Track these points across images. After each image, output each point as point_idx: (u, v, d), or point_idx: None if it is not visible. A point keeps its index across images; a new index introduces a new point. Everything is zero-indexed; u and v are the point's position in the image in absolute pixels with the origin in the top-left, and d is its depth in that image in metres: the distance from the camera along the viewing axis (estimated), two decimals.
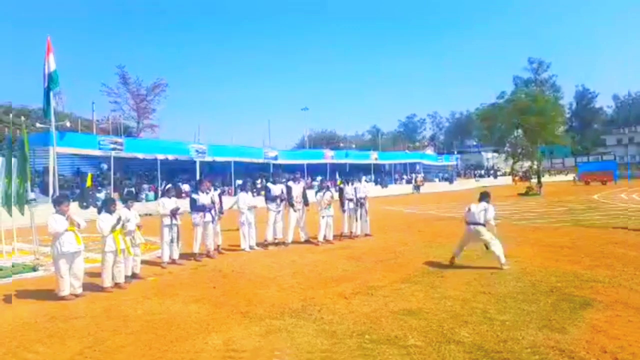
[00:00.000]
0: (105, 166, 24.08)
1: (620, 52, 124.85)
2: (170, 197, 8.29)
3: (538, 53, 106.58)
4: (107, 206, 6.49)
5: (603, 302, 4.95)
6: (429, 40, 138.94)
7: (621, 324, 4.26)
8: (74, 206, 6.19)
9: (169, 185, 8.90)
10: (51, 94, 9.00)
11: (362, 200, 11.07)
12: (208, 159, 27.32)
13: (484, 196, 7.26)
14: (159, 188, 21.98)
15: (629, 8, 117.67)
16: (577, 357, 3.49)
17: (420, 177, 43.21)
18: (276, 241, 9.96)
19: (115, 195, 18.77)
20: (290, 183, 10.28)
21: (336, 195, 10.87)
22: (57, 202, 5.99)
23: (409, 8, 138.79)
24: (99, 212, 6.48)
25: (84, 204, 19.32)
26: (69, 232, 5.81)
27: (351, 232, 10.80)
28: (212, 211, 8.83)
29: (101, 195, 19.00)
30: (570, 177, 53.50)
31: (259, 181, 27.39)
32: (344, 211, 10.74)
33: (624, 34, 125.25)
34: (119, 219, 6.40)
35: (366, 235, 11.04)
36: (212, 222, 8.80)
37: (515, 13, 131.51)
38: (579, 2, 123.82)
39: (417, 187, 39.30)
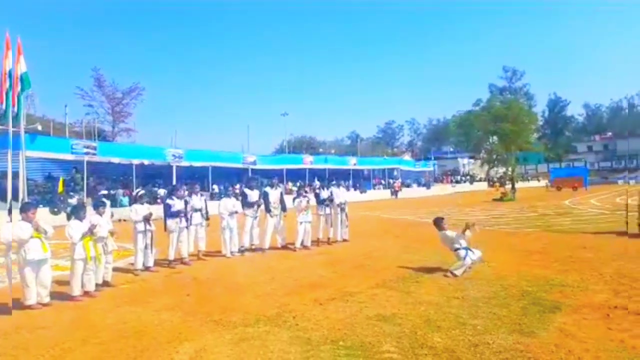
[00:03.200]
0: (74, 171, 23.41)
1: (591, 61, 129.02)
2: (142, 204, 8.14)
3: (512, 62, 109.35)
4: (77, 212, 6.33)
5: (571, 306, 5.07)
6: (408, 48, 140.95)
7: (588, 327, 4.37)
8: (40, 212, 6.02)
9: (142, 192, 8.73)
10: (22, 96, 8.73)
11: (343, 205, 11.12)
12: (185, 163, 26.95)
13: (437, 224, 7.51)
14: (134, 193, 21.57)
15: (601, 18, 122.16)
16: None
17: (397, 182, 43.62)
18: (253, 247, 9.88)
19: (87, 201, 18.33)
20: (267, 189, 10.24)
21: (313, 201, 10.85)
22: (23, 209, 5.80)
23: (388, 16, 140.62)
24: (69, 219, 6.30)
25: (55, 209, 18.80)
26: (34, 240, 5.63)
27: (328, 238, 10.81)
28: (199, 215, 8.93)
29: (73, 201, 18.51)
30: (543, 182, 54.89)
31: (237, 186, 27.23)
32: (318, 215, 10.75)
33: (596, 44, 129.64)
34: (89, 226, 6.23)
35: (344, 240, 11.06)
36: (187, 227, 8.69)
37: (491, 22, 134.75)
38: (553, 13, 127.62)
39: (395, 193, 39.67)
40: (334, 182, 12.03)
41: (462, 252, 6.92)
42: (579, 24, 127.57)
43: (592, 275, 6.62)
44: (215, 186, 27.11)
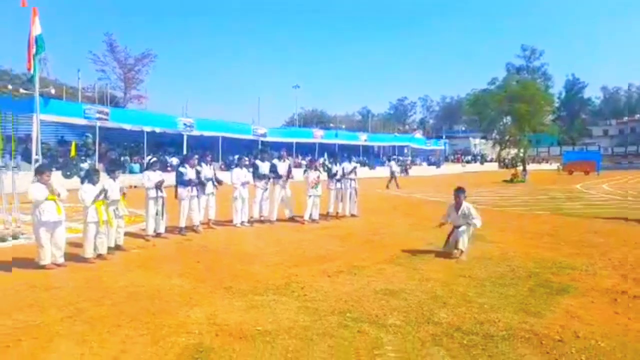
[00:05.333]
0: (88, 136, 23.52)
1: (612, 44, 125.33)
2: (154, 170, 8.20)
3: (531, 40, 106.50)
4: (90, 176, 6.40)
5: (579, 289, 5.08)
6: (423, 23, 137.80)
7: (595, 310, 4.39)
8: (56, 175, 6.12)
9: (154, 159, 8.78)
10: (36, 59, 8.73)
11: (353, 182, 11.10)
12: (196, 133, 27.00)
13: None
14: (144, 160, 21.71)
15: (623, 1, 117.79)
16: (551, 341, 3.59)
17: (408, 160, 43.42)
18: (262, 218, 9.97)
19: (99, 166, 18.53)
20: (275, 161, 10.27)
21: (323, 175, 10.84)
22: (38, 171, 5.89)
23: None
24: (82, 182, 6.38)
25: (68, 173, 19.06)
26: (49, 202, 5.73)
27: (337, 212, 10.86)
28: (211, 184, 9.02)
29: (85, 166, 18.72)
30: (554, 166, 54.25)
31: (245, 158, 27.27)
32: (329, 189, 10.78)
33: (618, 26, 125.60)
34: (102, 190, 6.32)
35: (352, 215, 11.10)
36: (198, 196, 8.77)
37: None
38: None
39: (405, 170, 39.53)
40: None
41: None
42: (601, 5, 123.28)
43: (601, 259, 6.60)
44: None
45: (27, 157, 18.27)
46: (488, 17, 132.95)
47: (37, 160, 8.47)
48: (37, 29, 8.27)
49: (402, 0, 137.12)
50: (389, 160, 33.76)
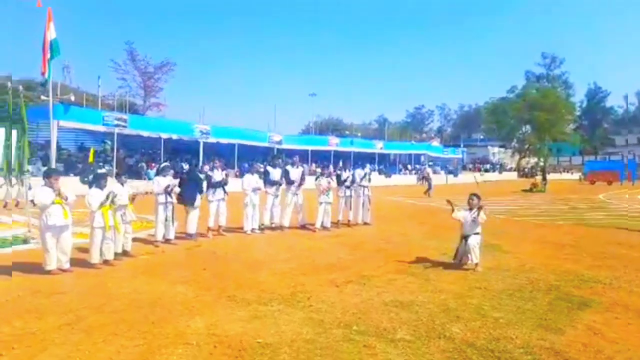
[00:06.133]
0: (107, 143, 23.82)
1: (634, 51, 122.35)
2: (165, 176, 8.15)
3: (552, 48, 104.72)
4: (97, 181, 6.35)
5: (602, 304, 4.78)
6: (441, 31, 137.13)
7: (619, 326, 4.10)
8: (72, 181, 6.12)
9: (165, 164, 8.74)
10: (51, 63, 8.78)
11: (365, 189, 10.88)
12: (212, 140, 27.08)
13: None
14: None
15: None
16: None
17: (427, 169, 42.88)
18: (273, 225, 9.83)
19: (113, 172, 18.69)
20: (288, 167, 10.16)
21: (334, 183, 10.65)
22: (47, 175, 5.86)
23: None
24: (90, 187, 6.33)
25: (86, 179, 19.28)
26: (56, 206, 5.68)
27: (348, 220, 10.65)
28: (222, 191, 8.97)
29: (103, 171, 18.91)
30: (576, 175, 52.89)
31: (259, 165, 27.26)
32: (339, 197, 10.60)
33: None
34: (108, 195, 6.25)
35: (365, 224, 10.88)
36: (210, 202, 8.70)
37: (530, 6, 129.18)
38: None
39: (423, 178, 38.98)
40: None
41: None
42: (622, 11, 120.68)
43: (625, 272, 6.26)
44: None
45: (46, 163, 18.60)
46: (507, 25, 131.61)
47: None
48: (51, 34, 8.33)
49: (420, 8, 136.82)
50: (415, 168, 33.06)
